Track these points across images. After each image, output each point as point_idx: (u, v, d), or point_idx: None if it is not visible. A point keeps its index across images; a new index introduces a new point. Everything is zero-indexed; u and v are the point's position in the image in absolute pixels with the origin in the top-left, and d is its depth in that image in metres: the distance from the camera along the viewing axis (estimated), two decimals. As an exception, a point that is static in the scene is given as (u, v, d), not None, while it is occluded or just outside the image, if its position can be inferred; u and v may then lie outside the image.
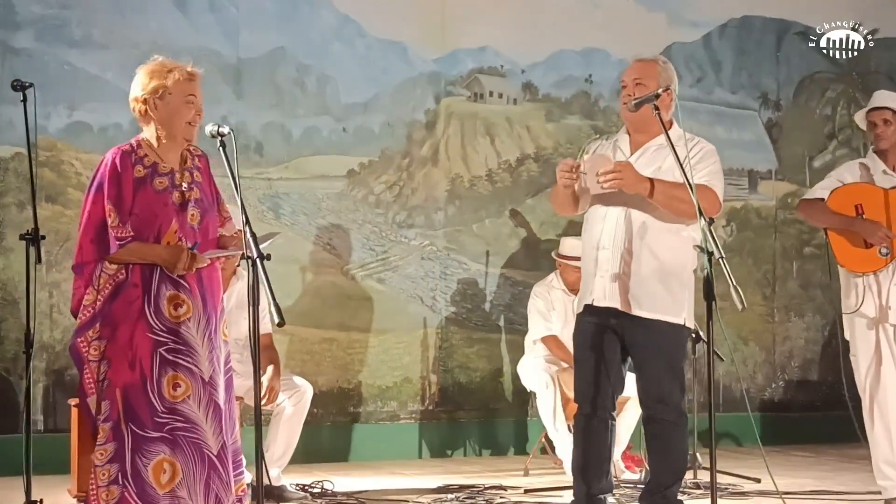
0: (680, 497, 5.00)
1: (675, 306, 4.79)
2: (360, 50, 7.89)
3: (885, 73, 9.28)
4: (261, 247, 4.06)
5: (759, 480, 6.72)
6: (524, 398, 8.15)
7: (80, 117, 7.25)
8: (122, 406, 4.24)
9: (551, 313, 7.20)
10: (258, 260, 3.94)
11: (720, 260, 4.31)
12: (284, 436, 6.12)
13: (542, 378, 6.95)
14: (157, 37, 7.34)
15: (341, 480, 6.58)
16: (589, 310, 4.86)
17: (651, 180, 4.69)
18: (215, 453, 4.34)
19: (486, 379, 8.11)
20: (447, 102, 8.07)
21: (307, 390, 6.18)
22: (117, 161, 4.32)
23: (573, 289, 7.23)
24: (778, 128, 9.01)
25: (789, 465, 7.58)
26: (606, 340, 4.85)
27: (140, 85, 4.40)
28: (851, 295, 5.81)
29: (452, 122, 8.09)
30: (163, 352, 4.27)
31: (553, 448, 7.19)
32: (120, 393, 4.24)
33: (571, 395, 6.85)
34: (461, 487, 6.55)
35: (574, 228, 8.14)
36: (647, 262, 4.75)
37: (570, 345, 7.14)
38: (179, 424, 4.27)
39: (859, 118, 6.09)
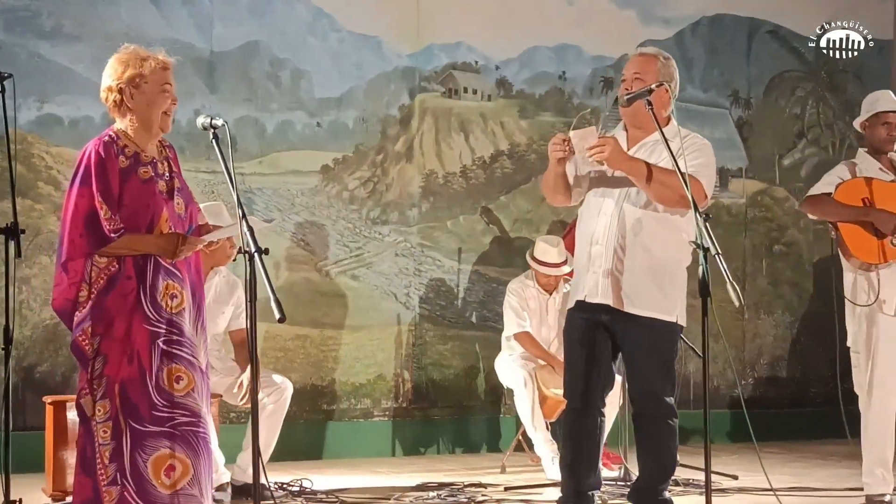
0: (668, 495, 4.98)
1: (668, 304, 4.77)
2: (334, 44, 7.81)
3: (853, 72, 9.34)
4: (231, 234, 3.97)
5: (736, 477, 6.74)
6: (497, 395, 8.13)
7: (50, 110, 7.12)
8: (119, 402, 4.13)
9: (525, 311, 7.17)
10: (256, 254, 3.86)
11: (716, 256, 4.30)
12: (264, 433, 6.01)
13: (520, 375, 6.93)
14: (129, 29, 7.22)
15: (317, 478, 6.51)
16: (580, 306, 4.83)
17: (638, 160, 4.66)
18: (214, 444, 4.29)
19: (460, 376, 8.07)
20: (422, 98, 8.02)
21: (287, 387, 6.11)
22: (101, 151, 4.19)
23: (547, 288, 7.22)
24: (748, 126, 9.04)
25: (766, 463, 7.58)
26: (597, 337, 4.83)
27: (114, 74, 4.27)
28: (862, 290, 5.81)
29: (427, 118, 8.04)
30: (161, 343, 4.16)
31: (530, 445, 7.17)
32: (118, 388, 4.13)
33: (548, 392, 6.87)
34: (440, 485, 6.51)
35: (550, 228, 8.15)
36: (640, 259, 4.72)
37: (544, 341, 7.18)
38: (185, 419, 4.16)
39: (859, 121, 6.07)
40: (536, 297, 7.20)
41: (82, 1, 7.21)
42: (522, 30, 8.28)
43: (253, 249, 3.88)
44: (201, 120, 4.26)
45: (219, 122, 4.18)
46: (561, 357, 7.05)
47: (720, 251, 4.32)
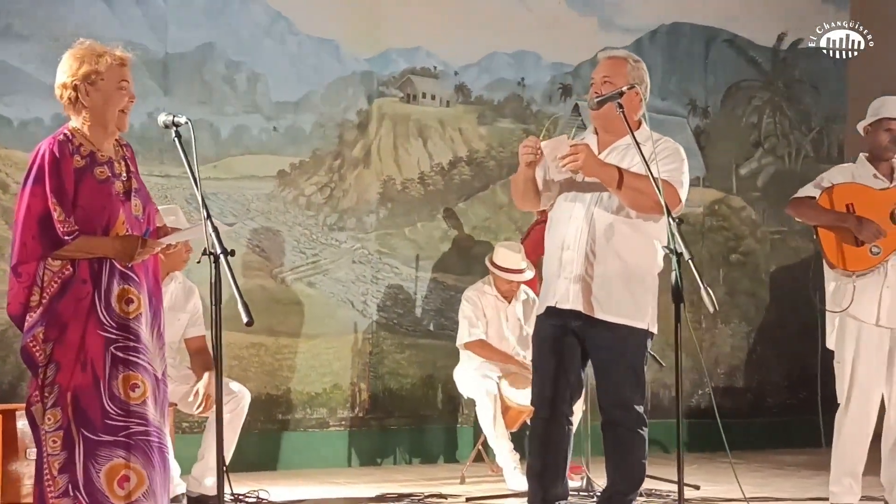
0: (636, 504, 4.90)
1: (639, 310, 4.69)
2: (292, 47, 7.69)
3: (809, 81, 9.37)
4: (193, 236, 3.85)
5: (698, 487, 6.69)
6: (454, 405, 8.03)
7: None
8: (72, 411, 3.96)
9: (480, 319, 7.07)
10: (222, 256, 3.73)
11: (689, 262, 4.23)
12: (221, 443, 5.87)
13: (482, 386, 6.83)
14: (80, 29, 7.00)
15: (273, 490, 6.37)
16: (551, 311, 4.73)
17: (611, 167, 4.59)
18: (171, 453, 4.15)
19: (417, 385, 7.96)
20: (379, 103, 7.91)
21: (244, 396, 5.96)
22: (55, 150, 4.02)
23: (506, 296, 7.13)
24: (706, 135, 9.02)
25: (720, 472, 7.55)
26: (567, 343, 4.73)
27: (69, 70, 4.11)
28: (841, 295, 5.77)
29: (385, 123, 7.93)
30: (114, 350, 4.01)
31: (489, 455, 7.07)
32: (70, 397, 3.97)
33: (511, 403, 6.78)
34: (400, 496, 6.40)
35: (508, 236, 8.06)
36: (611, 265, 4.64)
37: (500, 348, 7.06)
38: (140, 428, 4.01)
39: (863, 125, 6.00)
40: (494, 305, 7.10)
41: (32, 0, 7.03)
42: (482, 35, 8.21)
43: (219, 251, 3.74)
44: (163, 118, 4.12)
45: (181, 119, 4.04)
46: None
47: (693, 256, 4.25)
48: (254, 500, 6.09)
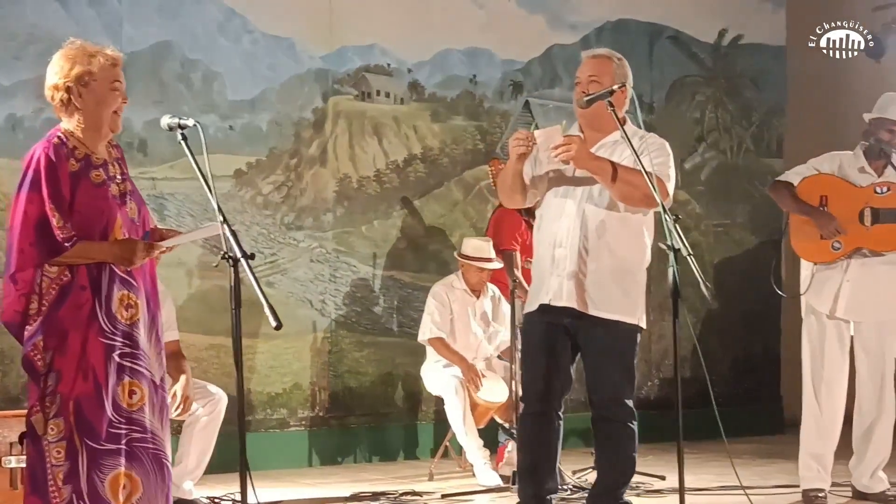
0: (627, 498, 4.98)
1: (631, 306, 4.77)
2: (247, 45, 7.62)
3: (750, 77, 9.55)
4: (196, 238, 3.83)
5: (663, 478, 6.80)
6: (414, 402, 8.04)
7: (-47, 115, 6.79)
8: (74, 420, 3.91)
9: (444, 316, 7.10)
10: (243, 259, 3.71)
11: (687, 257, 4.30)
12: (198, 447, 5.84)
13: (451, 383, 6.86)
14: (34, 28, 6.95)
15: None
16: (543, 308, 4.78)
17: (603, 159, 4.65)
18: (170, 461, 4.10)
19: (376, 383, 7.96)
20: (335, 101, 7.88)
21: (221, 398, 5.93)
22: (51, 154, 3.94)
23: (475, 289, 7.17)
24: (651, 130, 9.09)
25: (676, 462, 7.67)
26: (557, 340, 4.80)
27: (60, 71, 4.02)
28: (804, 284, 5.92)
29: (340, 122, 7.90)
30: (116, 357, 3.96)
31: (457, 451, 7.12)
32: (73, 406, 3.91)
33: (479, 399, 6.82)
34: (374, 495, 6.40)
35: (464, 233, 8.09)
36: (604, 261, 4.71)
37: (470, 346, 7.10)
38: (137, 435, 3.97)
39: (869, 116, 6.07)
40: (462, 299, 7.14)
41: (-16, -2, 6.89)
42: (434, 32, 8.22)
43: (238, 254, 3.71)
44: (167, 120, 4.08)
45: (189, 122, 4.00)
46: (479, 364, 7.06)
47: (691, 252, 4.32)
48: (230, 502, 6.04)
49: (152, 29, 7.32)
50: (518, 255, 6.77)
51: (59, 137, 4.03)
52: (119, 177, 4.12)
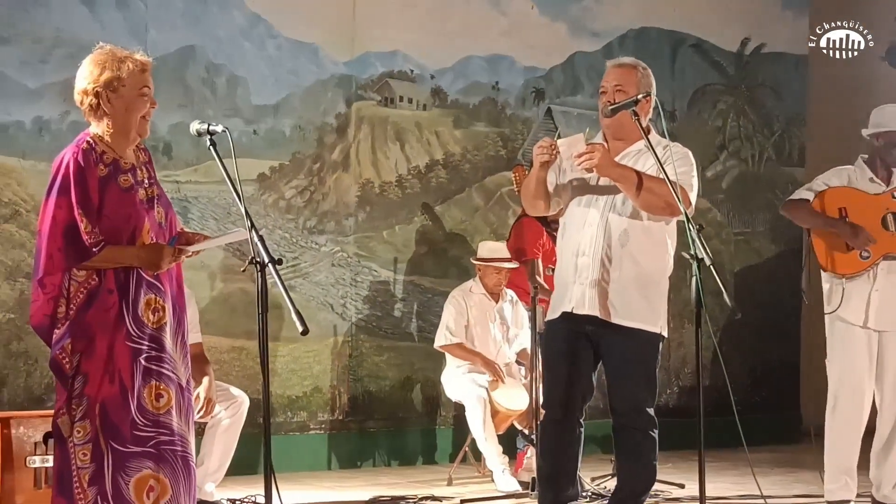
0: (645, 506, 5.00)
1: (653, 315, 4.78)
2: (271, 51, 7.67)
3: (771, 86, 9.55)
4: (223, 243, 3.87)
5: (682, 486, 6.80)
6: (432, 407, 8.07)
7: (-26, 119, 6.83)
8: (100, 423, 3.94)
9: (461, 323, 7.12)
10: (270, 264, 3.74)
11: (711, 267, 4.32)
12: (221, 448, 5.90)
13: (472, 390, 6.89)
14: (60, 32, 7.01)
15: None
16: (566, 317, 4.79)
17: (627, 167, 4.66)
18: (195, 462, 4.14)
19: (396, 388, 7.99)
20: (358, 106, 7.92)
21: (244, 401, 5.98)
22: (80, 160, 3.98)
23: (493, 292, 7.20)
24: (673, 138, 9.08)
25: (695, 470, 7.67)
26: (580, 347, 4.81)
27: (90, 76, 4.06)
28: (833, 297, 5.91)
29: (363, 127, 7.94)
30: (143, 360, 3.99)
31: (476, 457, 7.14)
32: (99, 408, 3.95)
33: (500, 407, 6.84)
34: (393, 499, 6.43)
35: (484, 238, 8.11)
36: (627, 270, 4.72)
37: (488, 353, 7.13)
38: (165, 438, 4.00)
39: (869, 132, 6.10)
40: (480, 304, 7.17)
41: (12, 3, 6.92)
42: (457, 39, 8.26)
43: (266, 260, 3.75)
44: (196, 126, 4.11)
45: (217, 128, 4.03)
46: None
47: (714, 261, 4.34)
48: (251, 504, 6.08)
49: (177, 33, 7.38)
50: (539, 262, 6.79)
51: (87, 142, 4.06)
52: (147, 181, 4.15)
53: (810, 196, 5.96)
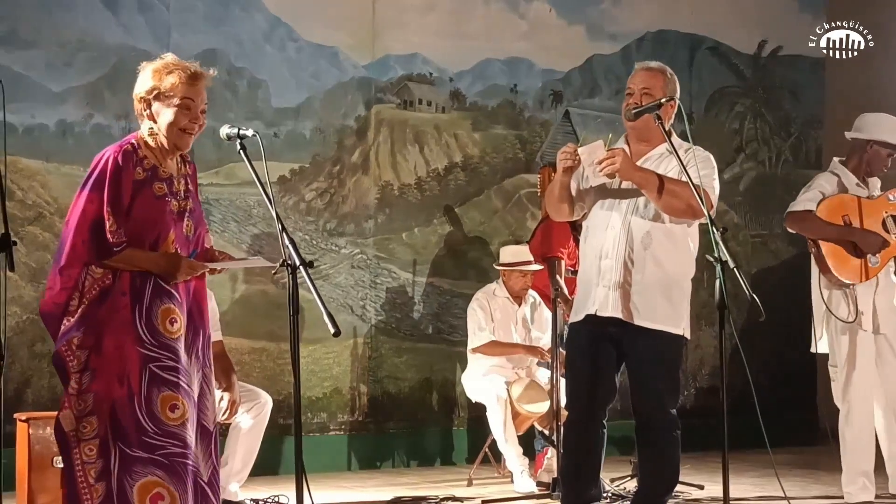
0: (666, 507, 5.03)
1: (676, 316, 4.82)
2: (292, 54, 7.73)
3: (788, 88, 9.57)
4: (243, 267, 3.90)
5: (702, 487, 6.83)
6: (450, 408, 8.12)
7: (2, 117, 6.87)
8: (110, 422, 3.97)
9: (487, 323, 7.16)
10: (302, 267, 3.79)
11: (734, 269, 4.36)
12: (244, 449, 5.95)
13: (492, 391, 6.93)
14: (84, 35, 7.08)
15: (290, 494, 6.40)
16: (589, 319, 4.83)
17: (649, 171, 4.70)
18: (206, 480, 4.12)
19: (415, 389, 8.04)
20: (377, 109, 7.98)
21: (267, 401, 6.03)
22: (119, 160, 4.03)
23: (518, 296, 7.23)
24: (691, 140, 9.16)
25: (713, 471, 7.69)
26: (602, 349, 4.85)
27: (141, 83, 4.14)
28: (841, 305, 5.93)
29: (382, 130, 7.99)
30: (154, 368, 4.00)
31: (496, 458, 7.18)
32: (108, 408, 3.97)
33: (521, 409, 6.88)
34: (415, 500, 6.47)
35: (503, 241, 8.15)
36: (650, 272, 4.76)
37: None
38: (177, 450, 4.01)
39: (856, 136, 6.14)
40: (504, 307, 7.21)
41: (37, 7, 6.99)
42: (475, 42, 8.30)
43: (297, 262, 3.80)
44: (226, 130, 4.15)
45: (248, 132, 4.07)
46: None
47: (738, 265, 4.38)
48: (274, 505, 6.13)
49: (199, 37, 7.43)
50: (563, 262, 6.82)
51: (131, 144, 4.13)
52: (182, 193, 4.18)
53: (813, 206, 5.97)
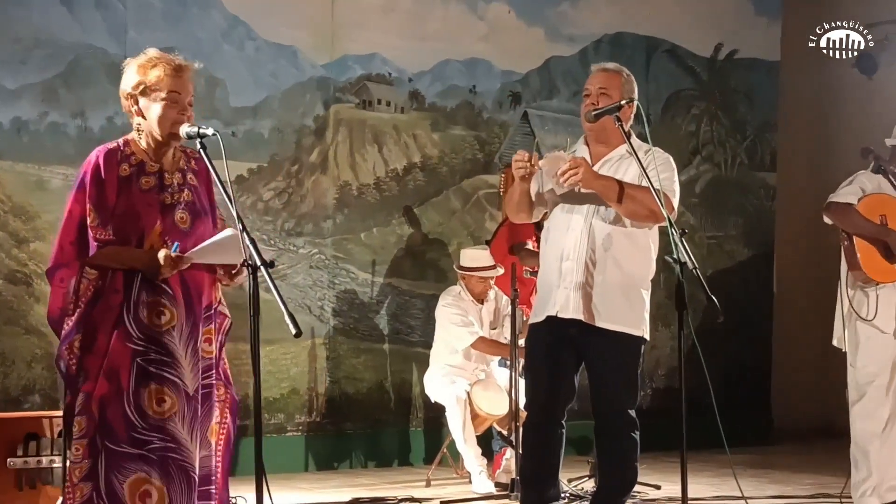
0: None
1: (635, 318, 4.84)
2: (250, 52, 7.69)
3: (744, 91, 9.66)
4: (216, 242, 3.90)
5: (658, 487, 6.87)
6: (408, 408, 8.11)
7: (-46, 114, 6.81)
8: (98, 420, 3.96)
9: (467, 319, 7.15)
10: (262, 267, 3.77)
11: (693, 270, 4.38)
12: (202, 450, 5.88)
13: (452, 393, 6.93)
14: (39, 32, 6.99)
15: (248, 496, 6.36)
16: (550, 320, 4.84)
17: (610, 179, 4.71)
18: (200, 475, 4.10)
19: (373, 389, 8.02)
20: (336, 109, 7.95)
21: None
22: (101, 160, 4.04)
23: (480, 299, 7.23)
24: (650, 142, 9.21)
25: (669, 471, 7.74)
26: (562, 350, 4.85)
27: (126, 79, 4.13)
28: (860, 303, 5.93)
29: (341, 129, 7.97)
30: (141, 362, 3.99)
31: (454, 458, 7.18)
32: (96, 406, 3.97)
33: (480, 411, 6.88)
34: (373, 500, 6.46)
35: (462, 241, 8.16)
36: (611, 274, 4.77)
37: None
38: (168, 444, 3.99)
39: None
40: (471, 309, 7.20)
41: (-9, 2, 6.93)
42: (434, 43, 8.30)
43: (258, 262, 3.78)
44: (186, 129, 4.10)
45: (208, 131, 4.04)
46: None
47: (697, 266, 4.41)
48: (232, 506, 6.07)
49: (157, 34, 7.33)
50: (531, 243, 6.76)
51: (117, 143, 4.13)
52: (177, 186, 4.14)
53: (855, 200, 5.93)
